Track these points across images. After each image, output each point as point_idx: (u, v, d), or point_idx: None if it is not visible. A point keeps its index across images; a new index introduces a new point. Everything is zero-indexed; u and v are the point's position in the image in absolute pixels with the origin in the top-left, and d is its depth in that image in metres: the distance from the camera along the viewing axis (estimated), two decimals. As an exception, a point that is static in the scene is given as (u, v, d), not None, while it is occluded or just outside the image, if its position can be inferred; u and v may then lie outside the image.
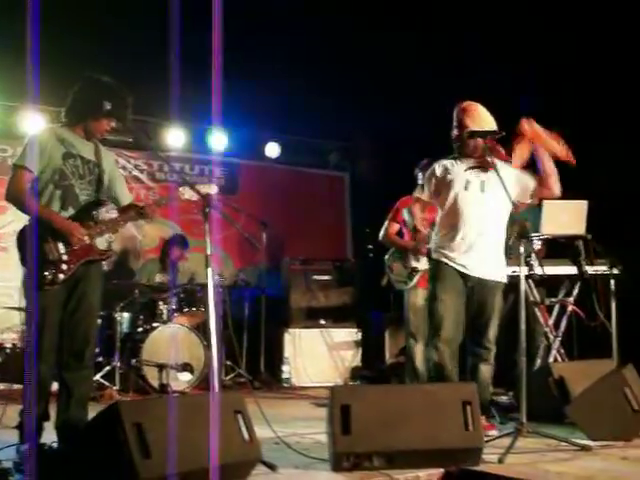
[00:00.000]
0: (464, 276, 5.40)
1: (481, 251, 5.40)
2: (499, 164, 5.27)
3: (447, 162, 5.55)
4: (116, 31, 8.08)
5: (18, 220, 4.79)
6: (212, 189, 4.89)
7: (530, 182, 5.48)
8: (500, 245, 5.53)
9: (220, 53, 5.61)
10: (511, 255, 5.76)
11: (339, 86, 9.06)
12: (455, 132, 5.49)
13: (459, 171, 5.47)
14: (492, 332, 5.45)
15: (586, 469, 4.24)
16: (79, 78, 4.79)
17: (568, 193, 6.60)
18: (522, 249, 4.91)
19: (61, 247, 4.52)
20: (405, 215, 6.86)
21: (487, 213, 5.42)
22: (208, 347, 5.36)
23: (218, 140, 9.79)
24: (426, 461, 4.17)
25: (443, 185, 5.50)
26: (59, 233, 4.50)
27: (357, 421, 4.18)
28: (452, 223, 5.45)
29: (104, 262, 4.92)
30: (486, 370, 5.41)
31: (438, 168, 5.55)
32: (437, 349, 5.33)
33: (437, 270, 5.47)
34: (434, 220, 5.78)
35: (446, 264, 5.41)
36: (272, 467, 4.19)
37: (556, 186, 5.47)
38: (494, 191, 5.33)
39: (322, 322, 9.09)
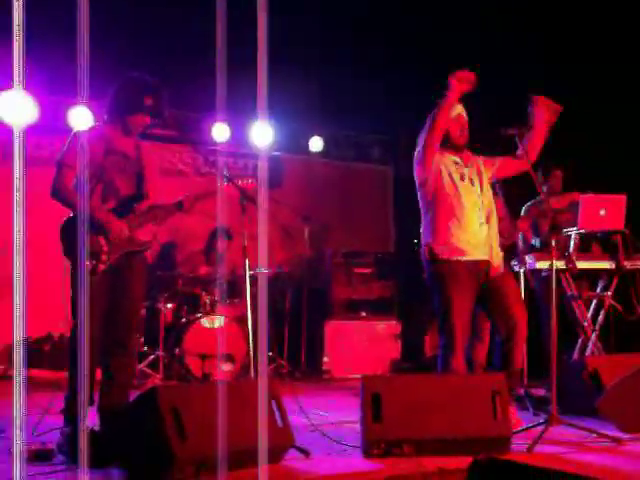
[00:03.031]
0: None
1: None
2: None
3: None
4: (162, 25, 8.20)
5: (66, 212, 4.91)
6: (253, 185, 5.04)
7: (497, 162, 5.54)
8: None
9: (265, 47, 5.71)
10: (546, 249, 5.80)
11: (383, 79, 9.11)
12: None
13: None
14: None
15: (614, 460, 4.31)
16: (122, 75, 4.95)
17: (606, 187, 6.67)
18: (554, 243, 4.97)
19: (102, 239, 4.68)
20: None
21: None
22: (250, 337, 5.49)
23: (262, 134, 9.86)
24: (455, 449, 4.25)
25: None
26: (99, 226, 4.67)
27: (388, 409, 4.30)
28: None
29: (147, 253, 5.06)
30: (519, 355, 5.28)
31: None
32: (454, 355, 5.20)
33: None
34: None
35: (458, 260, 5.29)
36: (305, 452, 4.32)
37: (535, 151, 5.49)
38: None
39: (363, 314, 9.19)
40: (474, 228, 5.29)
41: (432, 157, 5.32)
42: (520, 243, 7.14)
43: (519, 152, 5.36)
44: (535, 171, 5.38)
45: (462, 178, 5.35)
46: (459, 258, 5.24)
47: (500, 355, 5.30)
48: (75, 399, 4.44)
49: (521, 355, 5.34)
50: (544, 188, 7.28)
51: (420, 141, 5.33)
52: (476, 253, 5.27)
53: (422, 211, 5.49)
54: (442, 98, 5.16)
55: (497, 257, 5.37)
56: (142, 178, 4.92)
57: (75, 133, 4.82)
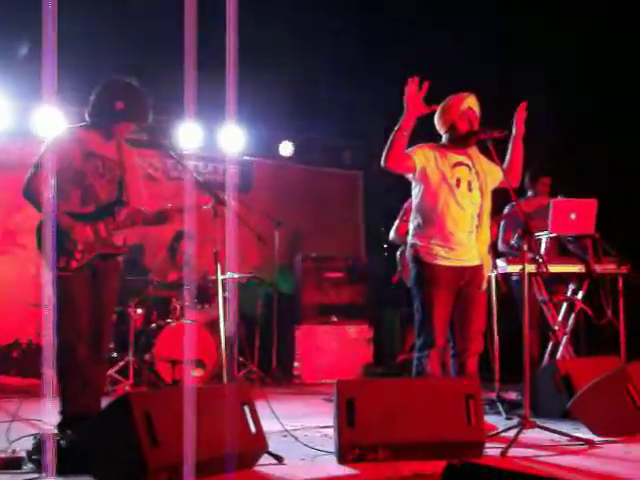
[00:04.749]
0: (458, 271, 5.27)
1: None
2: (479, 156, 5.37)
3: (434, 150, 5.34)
4: (133, 27, 8.17)
5: (35, 218, 4.85)
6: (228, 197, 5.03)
7: (499, 173, 5.36)
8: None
9: (235, 51, 5.69)
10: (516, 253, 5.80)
11: (353, 84, 9.13)
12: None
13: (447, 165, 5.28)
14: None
15: (587, 463, 4.31)
16: (99, 78, 4.91)
17: (577, 192, 6.69)
18: (525, 247, 4.98)
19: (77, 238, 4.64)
20: None
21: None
22: (220, 343, 5.45)
23: (233, 138, 9.84)
24: (430, 453, 4.24)
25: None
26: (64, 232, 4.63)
27: (362, 414, 4.28)
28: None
29: (120, 258, 5.02)
30: (474, 363, 5.33)
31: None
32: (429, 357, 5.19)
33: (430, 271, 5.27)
34: None
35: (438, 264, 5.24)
36: (278, 458, 4.29)
37: (519, 177, 5.52)
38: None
39: (334, 319, 9.17)
40: (462, 235, 5.23)
41: (399, 168, 5.23)
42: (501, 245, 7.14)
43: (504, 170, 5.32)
44: (522, 176, 5.40)
45: (458, 184, 5.23)
46: (443, 263, 5.21)
47: (455, 366, 5.33)
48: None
49: (475, 364, 5.34)
50: (529, 193, 7.32)
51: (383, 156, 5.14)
52: (461, 259, 5.23)
53: (412, 212, 5.44)
54: (399, 121, 5.04)
55: (487, 263, 5.35)
56: (122, 182, 4.88)
57: (55, 136, 4.79)
